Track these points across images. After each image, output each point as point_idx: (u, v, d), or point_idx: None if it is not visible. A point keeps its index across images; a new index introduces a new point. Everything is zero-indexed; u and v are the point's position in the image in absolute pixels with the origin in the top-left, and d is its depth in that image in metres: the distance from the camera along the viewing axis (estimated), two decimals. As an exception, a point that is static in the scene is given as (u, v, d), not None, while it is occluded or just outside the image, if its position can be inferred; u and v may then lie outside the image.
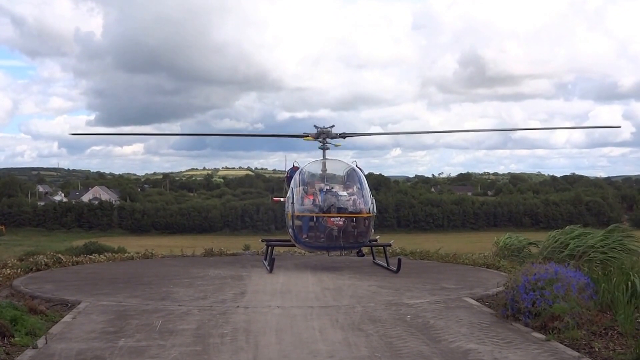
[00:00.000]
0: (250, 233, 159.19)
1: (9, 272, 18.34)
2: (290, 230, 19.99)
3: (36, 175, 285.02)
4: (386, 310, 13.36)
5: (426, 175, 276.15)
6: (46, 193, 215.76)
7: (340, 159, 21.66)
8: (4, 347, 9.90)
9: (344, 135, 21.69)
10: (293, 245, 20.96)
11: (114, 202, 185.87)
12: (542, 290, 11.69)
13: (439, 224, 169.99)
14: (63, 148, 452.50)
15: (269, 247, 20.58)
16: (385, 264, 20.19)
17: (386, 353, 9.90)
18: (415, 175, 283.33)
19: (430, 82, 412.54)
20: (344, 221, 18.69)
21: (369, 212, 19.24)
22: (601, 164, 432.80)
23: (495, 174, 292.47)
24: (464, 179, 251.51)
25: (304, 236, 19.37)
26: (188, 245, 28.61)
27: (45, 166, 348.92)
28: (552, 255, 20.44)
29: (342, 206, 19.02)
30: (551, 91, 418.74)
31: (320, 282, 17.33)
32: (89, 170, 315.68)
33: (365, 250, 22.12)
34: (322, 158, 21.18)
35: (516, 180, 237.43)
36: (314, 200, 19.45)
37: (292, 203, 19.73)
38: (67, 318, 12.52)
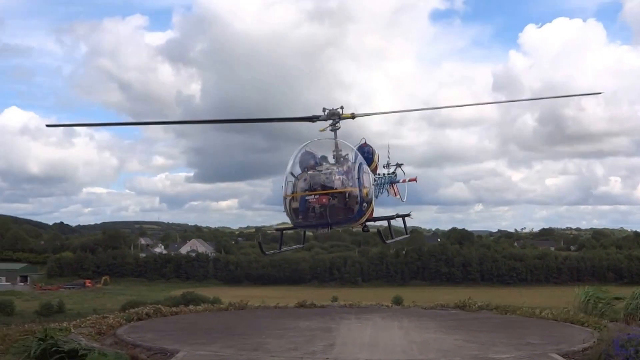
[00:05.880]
0: (337, 285, 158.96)
1: (112, 321, 18.75)
2: (285, 211, 18.79)
3: (139, 228, 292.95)
4: (472, 365, 13.00)
5: (509, 230, 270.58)
6: (147, 245, 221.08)
7: (340, 139, 19.43)
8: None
9: (353, 116, 20.56)
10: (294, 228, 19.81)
11: (209, 254, 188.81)
12: (637, 347, 11.23)
13: (522, 277, 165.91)
14: (164, 203, 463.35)
15: (281, 233, 20.40)
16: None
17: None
18: (498, 229, 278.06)
19: (511, 140, 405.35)
20: (327, 198, 17.60)
21: (354, 188, 17.95)
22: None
23: (578, 229, 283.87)
24: (546, 234, 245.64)
25: (294, 215, 18.35)
26: (279, 296, 28.78)
27: (147, 220, 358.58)
28: (636, 313, 19.64)
29: (324, 184, 17.96)
30: (632, 148, 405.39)
31: (406, 334, 17.06)
32: (187, 224, 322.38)
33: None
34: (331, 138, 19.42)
35: (599, 235, 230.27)
36: (299, 179, 18.39)
37: (284, 184, 18.56)
38: (166, 367, 12.66)
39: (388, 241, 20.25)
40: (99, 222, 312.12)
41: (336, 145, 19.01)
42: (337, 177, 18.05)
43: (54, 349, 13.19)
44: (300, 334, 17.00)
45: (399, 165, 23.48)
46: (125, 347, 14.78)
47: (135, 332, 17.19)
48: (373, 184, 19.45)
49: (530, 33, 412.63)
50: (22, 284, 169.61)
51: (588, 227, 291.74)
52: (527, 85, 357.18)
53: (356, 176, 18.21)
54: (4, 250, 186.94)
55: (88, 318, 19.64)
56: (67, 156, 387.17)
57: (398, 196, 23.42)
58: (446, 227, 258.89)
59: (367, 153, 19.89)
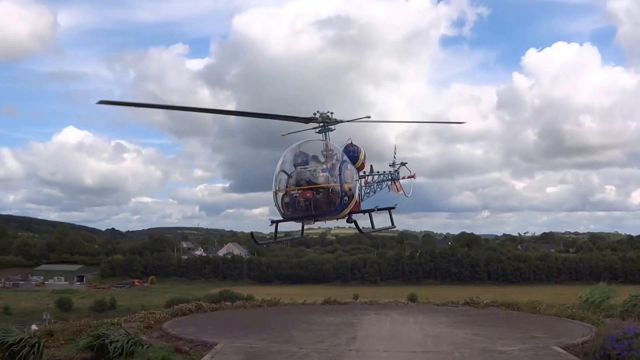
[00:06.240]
0: (358, 284, 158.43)
1: (158, 316, 18.91)
2: (275, 205, 18.82)
3: (181, 233, 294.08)
4: (481, 356, 12.93)
5: (513, 234, 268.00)
6: (189, 248, 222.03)
7: (324, 140, 19.42)
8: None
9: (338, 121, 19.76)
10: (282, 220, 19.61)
11: (244, 256, 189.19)
12: (630, 340, 11.11)
13: (525, 277, 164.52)
14: (203, 211, 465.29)
15: (275, 224, 19.96)
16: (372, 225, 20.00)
17: (482, 396, 9.57)
18: (503, 234, 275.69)
19: (514, 152, 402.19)
20: (312, 193, 17.69)
21: (336, 183, 17.97)
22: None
23: (576, 233, 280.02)
24: (547, 238, 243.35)
25: (284, 209, 18.41)
26: (306, 294, 28.72)
27: (188, 226, 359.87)
28: (633, 310, 19.40)
29: (309, 180, 18.02)
30: (625, 160, 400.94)
31: (421, 329, 16.98)
32: (224, 229, 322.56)
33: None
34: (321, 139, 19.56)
35: (595, 238, 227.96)
36: (287, 176, 18.40)
37: (274, 181, 18.60)
38: (207, 357, 12.74)
39: (365, 231, 20.22)
40: (146, 228, 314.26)
41: (325, 145, 19.15)
42: (321, 174, 18.18)
43: (107, 341, 13.31)
44: (325, 328, 17.00)
45: (403, 163, 23.36)
46: (170, 339, 14.91)
47: (178, 326, 17.31)
48: (357, 180, 19.44)
49: (532, 56, 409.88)
50: (79, 283, 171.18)
51: (585, 231, 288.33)
52: (529, 103, 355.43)
53: (338, 173, 18.23)
54: (62, 253, 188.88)
55: (137, 313, 19.87)
56: (117, 170, 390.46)
57: (401, 192, 23.23)
58: (456, 231, 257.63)
59: (352, 152, 19.80)
